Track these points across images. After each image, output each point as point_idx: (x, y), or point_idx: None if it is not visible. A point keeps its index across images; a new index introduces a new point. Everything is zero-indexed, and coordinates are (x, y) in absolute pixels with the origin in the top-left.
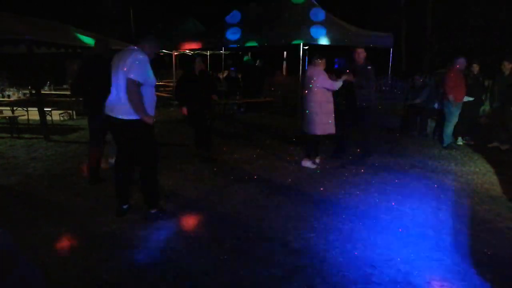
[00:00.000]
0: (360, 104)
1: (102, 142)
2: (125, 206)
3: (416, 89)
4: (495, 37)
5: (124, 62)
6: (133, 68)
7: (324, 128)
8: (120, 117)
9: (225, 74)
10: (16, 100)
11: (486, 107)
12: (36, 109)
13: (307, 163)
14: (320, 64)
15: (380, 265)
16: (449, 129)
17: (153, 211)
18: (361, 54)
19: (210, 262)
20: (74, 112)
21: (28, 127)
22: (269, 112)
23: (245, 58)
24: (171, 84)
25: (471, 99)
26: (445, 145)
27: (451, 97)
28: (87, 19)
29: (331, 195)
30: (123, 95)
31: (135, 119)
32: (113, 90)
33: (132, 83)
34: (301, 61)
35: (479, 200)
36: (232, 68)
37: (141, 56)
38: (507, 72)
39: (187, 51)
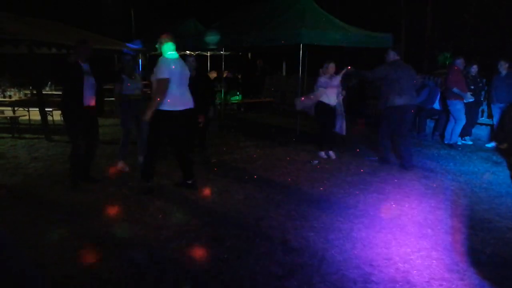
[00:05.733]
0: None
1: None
2: (150, 183)
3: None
4: (495, 38)
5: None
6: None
7: None
8: (188, 107)
9: (225, 75)
10: (17, 100)
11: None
12: (37, 109)
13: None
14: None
15: (379, 264)
16: (459, 127)
17: (190, 181)
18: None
19: (210, 262)
20: None
21: (29, 127)
22: (269, 112)
23: None
24: None
25: (471, 99)
26: (451, 142)
27: (456, 89)
28: (87, 19)
29: (331, 195)
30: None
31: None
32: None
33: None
34: (301, 61)
35: (478, 199)
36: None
37: None
38: (504, 72)
39: (187, 52)
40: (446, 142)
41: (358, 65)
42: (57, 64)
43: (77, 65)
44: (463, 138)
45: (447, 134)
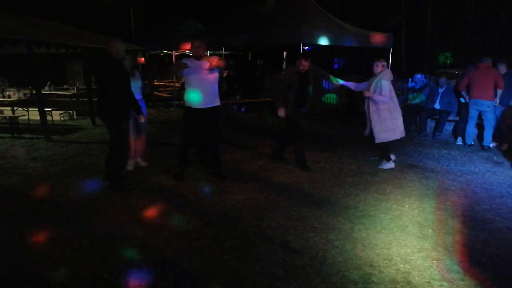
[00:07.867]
0: None
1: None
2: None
3: (416, 89)
4: (494, 37)
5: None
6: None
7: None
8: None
9: (225, 74)
10: (16, 100)
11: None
12: (37, 109)
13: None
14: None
15: (379, 264)
16: (492, 129)
17: (222, 172)
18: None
19: (210, 262)
20: (74, 112)
21: (29, 127)
22: (269, 112)
23: None
24: (171, 84)
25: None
26: (489, 145)
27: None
28: (87, 19)
29: (331, 195)
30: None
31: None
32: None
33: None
34: None
35: (479, 200)
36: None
37: None
38: (503, 72)
39: (187, 51)
40: (469, 143)
41: (359, 65)
42: (101, 65)
43: (120, 64)
44: (458, 139)
45: (468, 134)
